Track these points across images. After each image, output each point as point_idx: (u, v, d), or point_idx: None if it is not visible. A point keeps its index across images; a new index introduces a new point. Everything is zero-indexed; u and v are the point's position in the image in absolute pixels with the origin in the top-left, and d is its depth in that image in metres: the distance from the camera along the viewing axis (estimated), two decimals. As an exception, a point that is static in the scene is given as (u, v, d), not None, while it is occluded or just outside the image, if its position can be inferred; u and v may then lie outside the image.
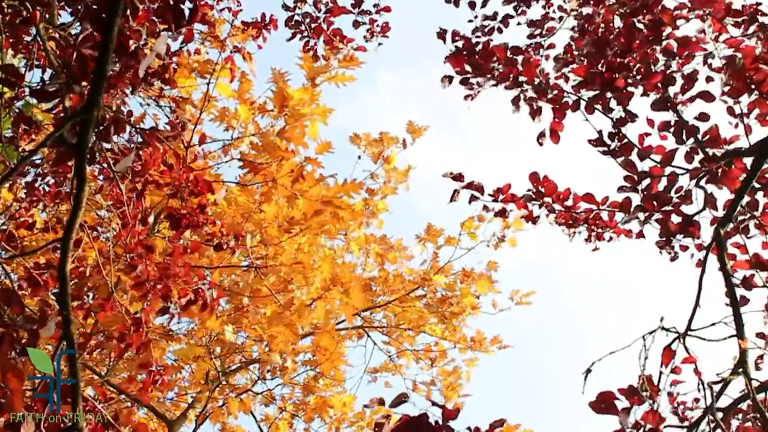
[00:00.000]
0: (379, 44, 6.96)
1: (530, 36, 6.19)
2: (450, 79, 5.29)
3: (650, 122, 4.70)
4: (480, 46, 5.25)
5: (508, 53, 5.17)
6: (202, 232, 5.14)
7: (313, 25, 6.66)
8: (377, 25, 6.93)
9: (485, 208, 5.28)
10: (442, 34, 5.71)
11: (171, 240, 5.05)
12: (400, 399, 3.14)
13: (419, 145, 9.05)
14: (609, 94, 4.77)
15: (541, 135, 5.11)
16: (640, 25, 4.70)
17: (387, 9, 6.89)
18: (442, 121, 28.04)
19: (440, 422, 2.97)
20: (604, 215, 5.30)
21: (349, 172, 11.49)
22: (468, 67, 5.16)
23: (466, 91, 5.32)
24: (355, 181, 7.97)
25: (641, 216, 4.77)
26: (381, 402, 3.27)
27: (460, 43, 5.38)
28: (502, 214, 5.30)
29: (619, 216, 5.13)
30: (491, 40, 6.15)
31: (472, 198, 5.29)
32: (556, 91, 4.96)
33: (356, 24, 6.91)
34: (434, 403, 3.06)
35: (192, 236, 5.28)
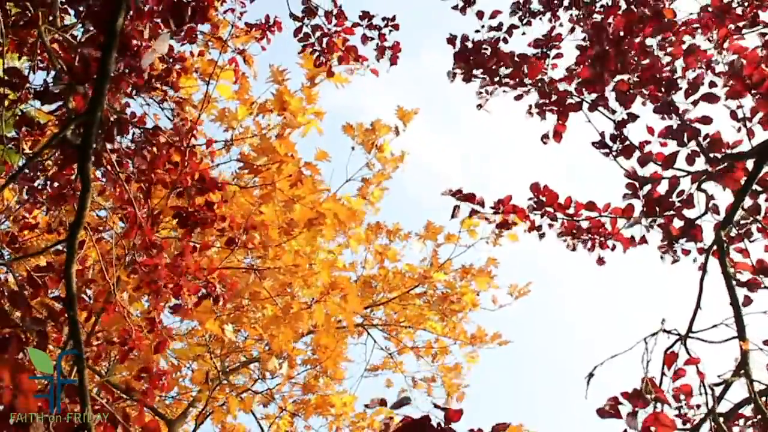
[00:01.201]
0: (391, 64, 6.75)
1: (536, 45, 6.18)
2: (454, 75, 5.33)
3: (650, 130, 4.74)
4: (487, 48, 5.30)
5: (515, 59, 5.22)
6: (213, 229, 5.14)
7: (324, 39, 6.47)
8: (387, 41, 6.72)
9: (487, 220, 5.30)
10: (452, 40, 5.71)
11: (181, 238, 5.05)
12: (402, 402, 3.15)
13: (411, 131, 9.06)
14: (611, 94, 4.81)
15: (545, 136, 5.16)
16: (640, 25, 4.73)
17: (396, 26, 6.69)
18: (435, 108, 28.03)
19: (443, 425, 2.98)
20: (607, 224, 5.31)
21: (340, 156, 11.47)
22: (474, 69, 5.20)
23: (464, 87, 5.37)
24: (348, 203, 8.01)
25: (644, 221, 4.80)
26: (383, 403, 3.28)
27: (469, 44, 5.41)
28: (503, 226, 5.32)
29: (621, 222, 5.15)
30: (498, 49, 6.16)
31: (473, 212, 5.31)
32: (559, 92, 5.00)
33: (365, 39, 6.67)
34: (437, 406, 3.07)
35: (201, 234, 5.28)
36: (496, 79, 5.26)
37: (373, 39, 6.56)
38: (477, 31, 6.21)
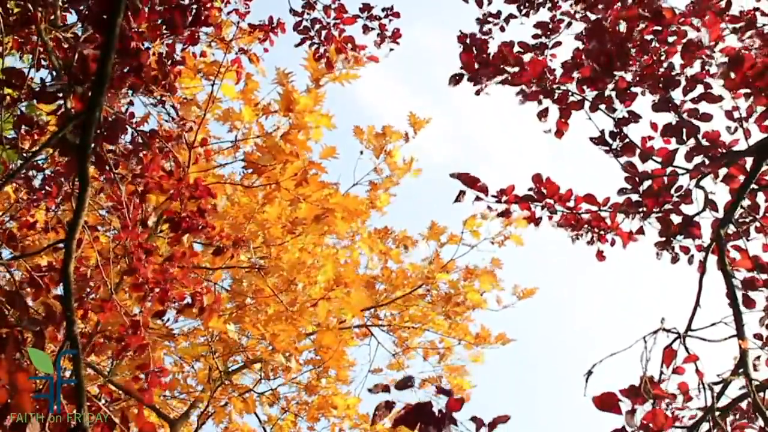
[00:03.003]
0: (390, 50, 6.86)
1: (535, 36, 6.17)
2: (459, 78, 5.31)
3: (653, 126, 4.71)
4: (495, 49, 5.31)
5: (515, 50, 5.20)
6: (201, 235, 5.16)
7: (323, 32, 6.57)
8: (387, 30, 6.84)
9: (489, 208, 5.27)
10: (462, 38, 5.70)
11: (170, 243, 5.07)
12: (406, 382, 3.13)
13: (405, 114, 9.02)
14: (611, 92, 4.78)
15: (547, 132, 5.16)
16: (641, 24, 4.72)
17: (396, 15, 6.78)
18: (425, 85, 27.96)
19: (444, 411, 2.97)
20: (607, 219, 5.29)
21: (342, 156, 11.39)
22: (477, 66, 5.20)
23: (456, 65, 5.39)
24: (357, 197, 8.00)
25: (640, 212, 4.78)
26: (386, 388, 3.24)
27: (471, 43, 5.40)
28: (505, 214, 5.30)
29: (620, 217, 5.13)
30: (492, 38, 6.16)
31: (477, 199, 5.28)
32: (561, 91, 4.99)
33: (365, 29, 6.74)
34: (440, 390, 3.06)
35: (191, 240, 5.30)
36: (501, 78, 5.23)
37: (373, 29, 6.66)
38: (477, 19, 6.23)
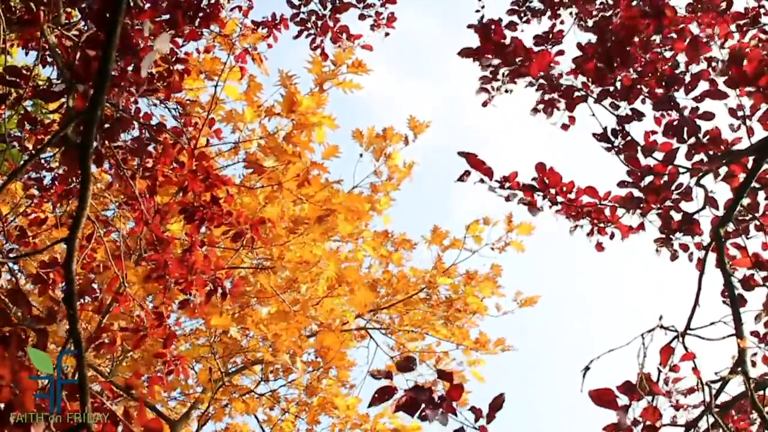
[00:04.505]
0: (386, 34, 7.05)
1: (537, 44, 6.20)
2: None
3: (657, 121, 4.71)
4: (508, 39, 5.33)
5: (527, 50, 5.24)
6: (220, 224, 5.16)
7: (319, 23, 6.74)
8: (383, 17, 7.02)
9: (492, 190, 5.25)
10: (475, 27, 5.73)
11: (189, 234, 5.09)
12: (408, 364, 3.15)
13: (395, 95, 9.05)
14: (615, 89, 4.80)
15: (553, 124, 5.21)
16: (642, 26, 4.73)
17: (392, 1, 6.97)
18: (422, 73, 28.03)
19: (444, 397, 3.01)
20: (607, 211, 5.29)
21: (343, 157, 11.36)
22: (491, 57, 5.22)
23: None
24: (361, 193, 8.01)
25: (640, 208, 4.79)
26: (388, 375, 3.26)
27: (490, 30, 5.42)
28: (509, 199, 5.30)
29: (621, 211, 5.13)
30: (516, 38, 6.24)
31: (481, 181, 5.26)
32: (567, 85, 5.01)
33: (362, 17, 7.02)
34: (441, 374, 3.08)
35: (208, 230, 5.32)
36: (512, 68, 5.23)
37: (369, 16, 6.87)
38: (477, 11, 6.30)
